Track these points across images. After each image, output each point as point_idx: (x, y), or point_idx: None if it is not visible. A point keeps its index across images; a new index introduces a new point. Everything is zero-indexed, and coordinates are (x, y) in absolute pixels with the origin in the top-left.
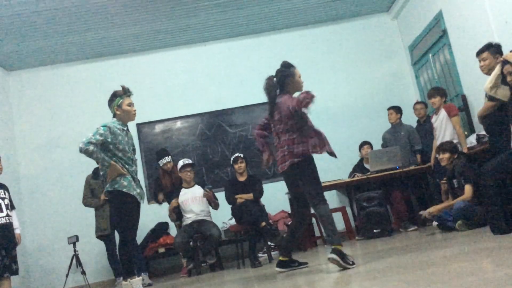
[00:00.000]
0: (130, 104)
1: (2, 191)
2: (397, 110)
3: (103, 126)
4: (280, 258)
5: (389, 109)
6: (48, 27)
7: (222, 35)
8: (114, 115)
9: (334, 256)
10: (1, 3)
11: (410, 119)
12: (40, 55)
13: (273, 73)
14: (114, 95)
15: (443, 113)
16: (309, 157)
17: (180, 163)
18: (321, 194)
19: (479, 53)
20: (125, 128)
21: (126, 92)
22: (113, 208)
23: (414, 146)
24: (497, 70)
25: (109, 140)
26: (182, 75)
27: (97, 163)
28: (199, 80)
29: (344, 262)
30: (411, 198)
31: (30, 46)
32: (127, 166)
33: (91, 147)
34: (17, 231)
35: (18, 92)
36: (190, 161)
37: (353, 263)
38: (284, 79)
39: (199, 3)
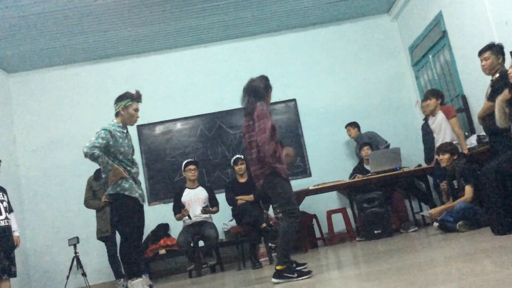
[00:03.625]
0: (136, 110)
1: (1, 193)
2: (354, 125)
3: (103, 129)
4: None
5: (346, 126)
6: (48, 29)
7: (222, 37)
8: (117, 115)
9: (274, 280)
10: (1, 5)
11: (411, 119)
12: (40, 57)
13: (268, 76)
14: (125, 96)
15: (441, 115)
16: (269, 175)
17: (185, 162)
18: (288, 208)
19: (481, 53)
20: (125, 130)
21: (138, 97)
22: (115, 211)
23: (379, 147)
24: (498, 103)
25: (111, 143)
26: (182, 76)
27: (101, 169)
28: (200, 81)
29: (285, 278)
30: (411, 199)
31: (31, 48)
32: (128, 168)
33: (97, 152)
34: (15, 234)
35: (18, 94)
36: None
37: (300, 274)
38: (264, 89)
39: (199, 5)
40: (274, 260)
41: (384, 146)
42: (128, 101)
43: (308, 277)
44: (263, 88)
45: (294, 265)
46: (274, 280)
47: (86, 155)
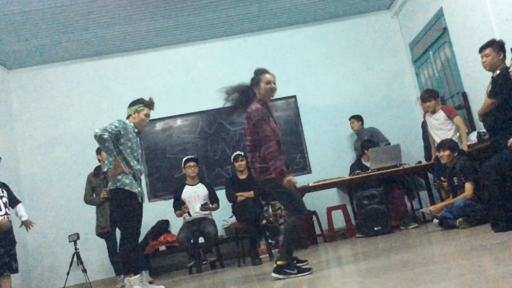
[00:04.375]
0: (147, 115)
1: (0, 189)
2: (358, 118)
3: (118, 120)
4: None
5: (350, 118)
6: (48, 25)
7: (222, 33)
8: (128, 118)
9: (274, 275)
10: (1, 1)
11: (411, 116)
12: (40, 53)
13: (273, 71)
14: (139, 101)
15: (441, 114)
16: (268, 180)
17: (184, 158)
18: (293, 206)
19: (482, 49)
20: (136, 130)
21: (150, 104)
22: (115, 206)
23: (380, 144)
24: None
25: (122, 133)
26: (182, 73)
27: (99, 160)
28: (200, 78)
29: (285, 274)
30: (411, 196)
31: (31, 44)
32: (131, 164)
33: (106, 135)
34: (23, 218)
35: (18, 90)
36: (193, 157)
37: (300, 270)
38: (251, 87)
39: (199, 1)
40: (274, 256)
41: (384, 144)
42: (140, 106)
43: (308, 274)
44: (250, 87)
45: (295, 261)
46: (274, 275)
47: (95, 135)
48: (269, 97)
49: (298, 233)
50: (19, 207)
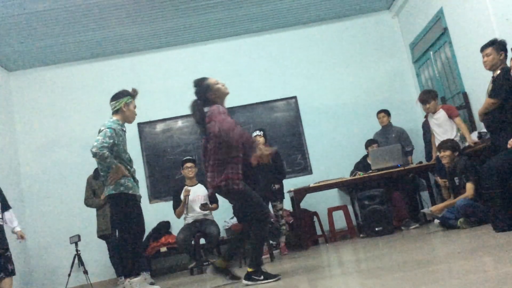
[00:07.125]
0: (135, 107)
1: None
2: (387, 112)
3: (108, 128)
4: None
5: (380, 112)
6: (48, 27)
7: (223, 34)
8: (117, 112)
9: (244, 282)
10: (1, 3)
11: (411, 116)
12: (41, 55)
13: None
14: (123, 93)
15: (442, 113)
16: (222, 187)
17: (182, 159)
18: (257, 215)
19: (483, 48)
20: (124, 129)
21: (136, 95)
22: (120, 210)
23: (405, 148)
24: None
25: (116, 142)
26: (183, 74)
27: (99, 167)
28: None
29: (253, 281)
30: (412, 196)
31: (31, 46)
32: (128, 167)
33: (106, 152)
34: (17, 229)
35: (19, 92)
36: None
37: (266, 276)
38: (204, 95)
39: (199, 2)
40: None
41: (410, 149)
42: (129, 98)
43: (275, 280)
44: (201, 97)
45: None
46: (244, 281)
47: (95, 155)
48: (224, 97)
49: (264, 240)
50: (9, 214)
